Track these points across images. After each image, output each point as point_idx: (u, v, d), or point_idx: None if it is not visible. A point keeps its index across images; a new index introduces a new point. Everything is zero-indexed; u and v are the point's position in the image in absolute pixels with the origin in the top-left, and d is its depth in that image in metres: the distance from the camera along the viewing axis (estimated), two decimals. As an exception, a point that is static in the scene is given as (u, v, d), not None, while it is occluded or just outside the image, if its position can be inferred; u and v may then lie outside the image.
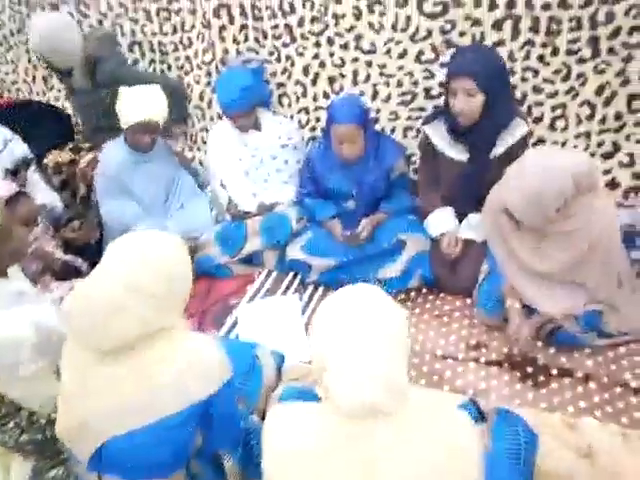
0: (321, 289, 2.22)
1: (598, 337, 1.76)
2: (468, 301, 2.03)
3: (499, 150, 1.98)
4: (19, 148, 2.08)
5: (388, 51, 2.31)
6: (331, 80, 2.48)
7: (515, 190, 1.61)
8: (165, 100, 2.26)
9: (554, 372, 1.71)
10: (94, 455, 1.10)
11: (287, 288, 2.25)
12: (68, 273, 2.07)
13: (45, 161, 2.69)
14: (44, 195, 2.36)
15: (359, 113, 2.08)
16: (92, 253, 2.26)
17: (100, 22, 2.79)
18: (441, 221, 2.15)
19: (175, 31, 2.68)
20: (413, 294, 2.13)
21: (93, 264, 2.13)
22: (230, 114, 2.34)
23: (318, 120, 2.61)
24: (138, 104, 2.19)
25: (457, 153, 2.06)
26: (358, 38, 2.33)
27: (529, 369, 1.73)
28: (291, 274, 2.31)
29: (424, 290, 2.14)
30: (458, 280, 2.06)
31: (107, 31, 2.70)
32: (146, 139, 2.27)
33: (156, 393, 1.05)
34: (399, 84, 2.37)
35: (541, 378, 1.69)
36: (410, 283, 2.11)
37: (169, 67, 2.79)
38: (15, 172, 2.10)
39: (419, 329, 1.95)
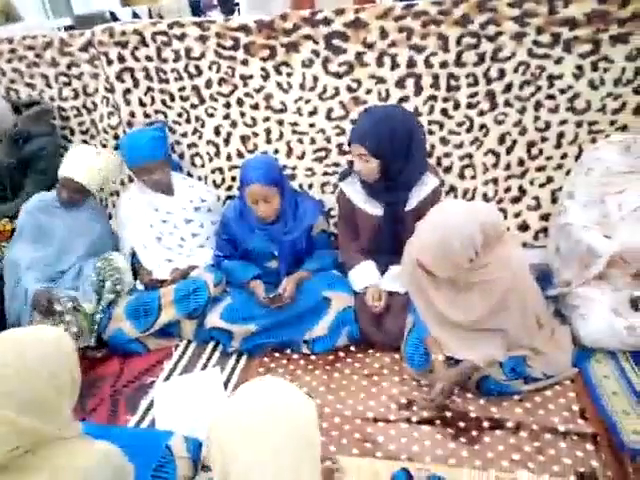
0: (244, 358, 2.09)
1: (525, 383, 1.76)
2: (397, 356, 1.98)
3: (412, 204, 2.01)
4: None
5: (298, 109, 2.33)
6: (244, 139, 2.46)
7: (425, 244, 1.63)
8: (106, 169, 2.26)
9: (486, 425, 1.67)
10: None
11: (208, 360, 2.10)
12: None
13: None
14: None
15: (272, 172, 2.05)
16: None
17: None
18: (364, 275, 2.13)
19: (77, 96, 2.57)
20: (342, 353, 2.05)
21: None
22: (141, 166, 2.24)
23: (234, 179, 2.56)
24: (73, 161, 2.21)
25: (372, 208, 2.08)
26: (268, 98, 2.33)
27: (461, 424, 1.68)
28: (211, 344, 2.17)
29: (352, 348, 2.07)
30: (385, 334, 2.02)
31: (45, 107, 2.56)
32: (63, 194, 2.24)
33: None
34: (312, 141, 2.39)
35: (474, 433, 1.65)
36: (338, 342, 2.04)
37: (72, 131, 2.66)
38: None
39: (349, 392, 1.86)
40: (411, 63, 2.14)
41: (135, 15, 5.34)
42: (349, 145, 2.00)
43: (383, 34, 2.10)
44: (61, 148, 2.65)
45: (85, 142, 2.68)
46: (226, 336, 2.08)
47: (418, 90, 2.19)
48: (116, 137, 2.57)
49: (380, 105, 2.16)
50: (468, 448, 1.60)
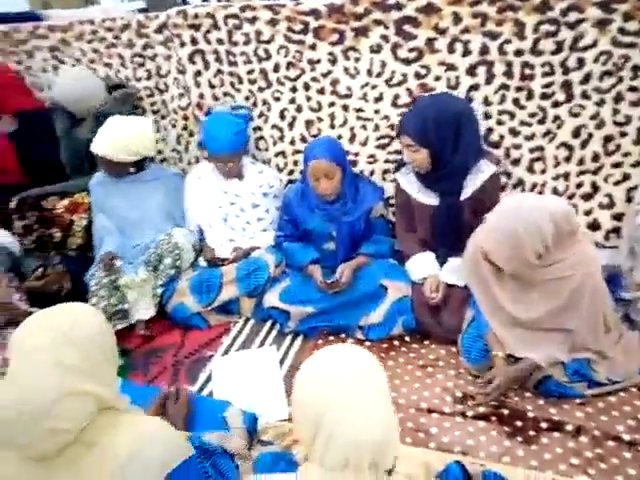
0: (300, 338, 2.13)
1: (588, 387, 1.69)
2: (453, 349, 1.96)
3: (467, 192, 1.98)
4: None
5: (364, 95, 2.31)
6: (308, 124, 2.47)
7: (494, 236, 1.58)
8: (141, 139, 2.34)
9: (544, 425, 1.63)
10: None
11: (265, 338, 2.16)
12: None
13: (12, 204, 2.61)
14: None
15: (335, 150, 2.09)
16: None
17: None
18: (422, 265, 2.11)
19: (150, 76, 2.66)
20: (396, 342, 2.05)
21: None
22: (221, 157, 2.30)
23: (296, 164, 2.58)
24: (103, 136, 2.29)
25: (427, 198, 2.07)
26: (334, 83, 2.33)
27: (518, 423, 1.65)
28: (269, 323, 2.22)
29: (407, 338, 2.06)
30: (442, 327, 1.99)
31: (130, 91, 2.67)
32: (105, 167, 2.36)
33: None
34: (376, 128, 2.37)
35: (531, 433, 1.61)
36: (393, 330, 2.03)
37: (144, 111, 2.75)
38: None
39: (403, 381, 1.86)
40: (484, 50, 2.07)
41: (205, -1, 5.46)
42: (398, 137, 1.99)
43: (456, 20, 2.04)
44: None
45: (156, 122, 2.77)
46: (283, 316, 2.13)
47: (490, 78, 2.12)
48: (185, 118, 2.65)
49: (427, 94, 2.12)
50: (524, 447, 1.57)
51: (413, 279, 2.09)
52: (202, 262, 2.37)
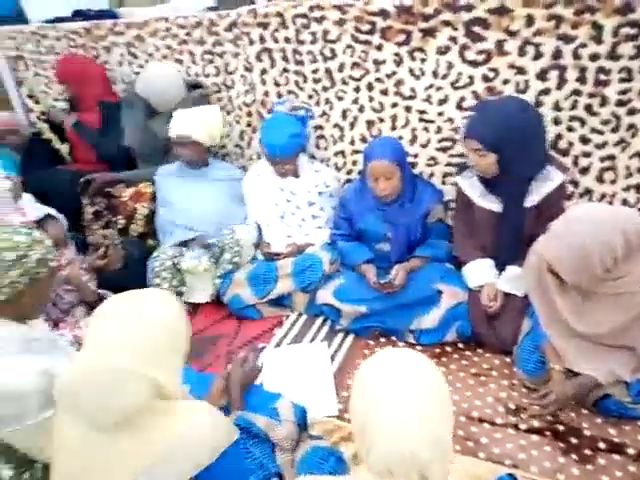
0: (351, 337, 2.14)
1: (652, 409, 1.62)
2: (508, 360, 1.92)
3: (534, 200, 1.92)
4: (3, 184, 2.02)
5: (428, 97, 2.29)
6: (369, 124, 2.47)
7: (560, 246, 1.53)
8: (215, 123, 2.49)
9: (602, 446, 1.57)
10: None
11: (316, 334, 2.18)
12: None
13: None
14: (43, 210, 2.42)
15: (396, 151, 2.08)
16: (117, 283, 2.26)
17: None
18: (480, 272, 2.07)
19: (218, 73, 2.74)
20: (449, 349, 2.03)
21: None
22: (274, 159, 2.35)
23: (354, 163, 2.59)
24: (185, 118, 2.43)
25: (490, 203, 2.02)
26: (398, 84, 2.32)
27: (573, 440, 1.59)
28: (320, 319, 2.25)
29: (460, 345, 2.04)
30: (497, 336, 1.95)
31: (206, 92, 2.77)
32: (185, 152, 2.46)
33: (152, 468, 0.97)
34: (439, 130, 2.34)
35: (587, 452, 1.55)
36: (446, 336, 2.01)
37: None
38: None
39: (455, 388, 1.84)
40: (557, 54, 2.00)
41: (270, -2, 5.55)
42: (464, 140, 1.95)
43: (529, 22, 1.98)
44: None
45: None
46: (336, 314, 2.15)
47: (561, 83, 2.05)
48: (249, 114, 2.71)
49: (493, 98, 2.08)
50: (580, 466, 1.52)
51: (470, 286, 2.06)
52: (260, 256, 2.43)
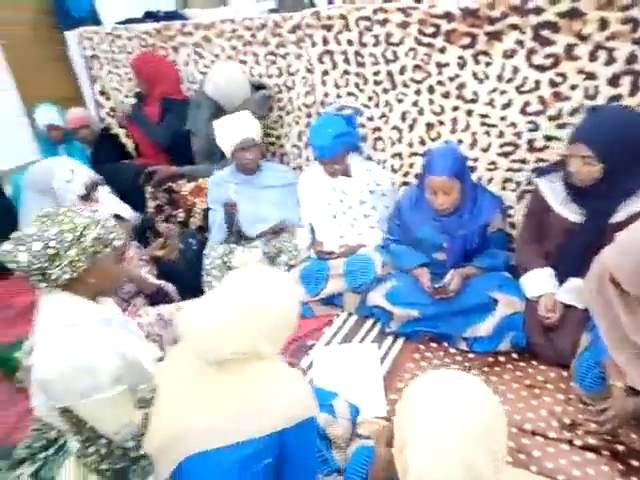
0: (401, 341, 2.13)
1: None
2: (564, 373, 1.86)
3: (621, 216, 1.79)
4: (84, 174, 2.25)
5: (491, 101, 2.25)
6: (429, 127, 2.45)
7: (624, 257, 1.46)
8: (254, 121, 2.52)
9: (665, 470, 1.49)
10: (173, 473, 1.11)
11: (366, 335, 2.19)
12: (159, 297, 2.15)
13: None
14: (123, 210, 2.55)
15: (456, 165, 2.02)
16: (174, 275, 2.35)
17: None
18: (539, 282, 2.00)
19: (280, 74, 2.80)
20: (502, 358, 1.98)
21: (180, 290, 2.22)
22: (321, 160, 2.39)
23: (412, 166, 2.58)
24: (232, 129, 2.46)
25: (569, 212, 1.92)
26: (460, 87, 2.29)
27: (634, 462, 1.52)
28: (371, 321, 2.26)
29: (514, 355, 1.99)
30: (554, 349, 1.89)
31: (269, 93, 2.84)
32: (250, 156, 2.48)
33: (245, 413, 1.08)
34: (500, 134, 2.29)
35: (648, 476, 1.49)
36: (500, 346, 1.97)
37: (270, 108, 2.90)
38: (86, 196, 2.26)
39: (507, 399, 1.80)
40: (631, 59, 1.92)
41: (330, 1, 5.60)
42: (570, 144, 1.85)
43: (602, 25, 1.91)
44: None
45: (280, 117, 2.91)
46: (386, 316, 2.15)
47: (634, 90, 1.97)
48: (309, 115, 2.76)
49: (610, 104, 1.98)
50: (639, 490, 1.45)
51: (528, 295, 2.00)
52: (313, 254, 2.46)
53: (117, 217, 1.99)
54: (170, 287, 2.24)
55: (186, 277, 2.40)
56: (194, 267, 2.49)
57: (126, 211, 2.62)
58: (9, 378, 2.10)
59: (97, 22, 5.10)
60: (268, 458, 1.07)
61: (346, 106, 2.50)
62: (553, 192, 1.97)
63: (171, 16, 3.91)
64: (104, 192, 2.48)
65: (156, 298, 2.16)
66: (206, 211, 2.77)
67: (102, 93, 3.53)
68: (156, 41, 3.10)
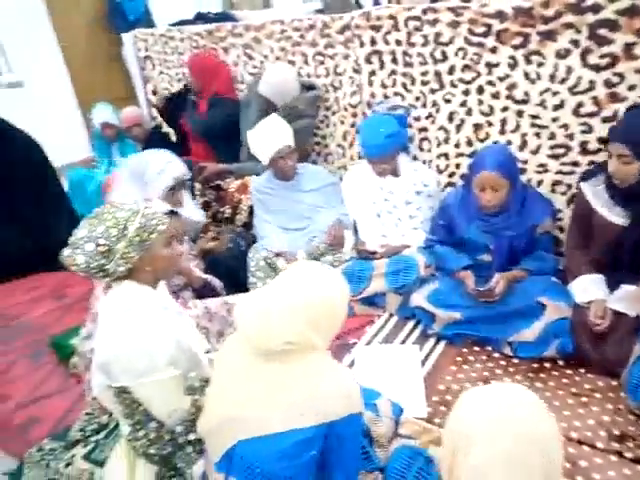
0: (443, 343, 2.11)
1: None
2: (614, 382, 1.79)
3: None
4: (178, 168, 2.32)
5: (542, 102, 2.20)
6: (477, 127, 2.42)
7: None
8: (285, 124, 2.52)
9: None
10: (224, 456, 1.15)
11: (407, 336, 2.18)
12: (206, 292, 2.21)
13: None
14: (195, 212, 2.62)
15: (508, 164, 2.00)
16: (221, 270, 2.40)
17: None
18: (590, 287, 1.93)
19: (328, 74, 2.82)
20: (548, 365, 1.94)
21: (226, 286, 2.27)
22: (372, 159, 2.39)
23: (458, 167, 2.55)
24: (268, 139, 2.48)
25: (615, 216, 1.87)
26: (511, 87, 2.25)
27: (688, 478, 1.46)
28: (412, 322, 2.24)
29: (561, 362, 1.94)
30: (604, 357, 1.83)
31: (319, 93, 2.87)
32: (289, 163, 2.51)
33: (295, 403, 1.10)
34: (552, 136, 2.24)
35: None
36: (546, 352, 1.92)
37: (318, 108, 2.93)
38: (173, 190, 2.34)
39: (552, 406, 1.75)
40: (696, 58, 1.85)
41: (376, 2, 5.59)
42: (607, 143, 1.82)
43: (665, 23, 1.85)
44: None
45: (326, 117, 2.94)
46: (429, 318, 2.13)
47: (698, 91, 1.89)
48: (354, 115, 2.77)
49: None
50: (695, 508, 1.39)
51: (577, 301, 1.94)
52: (354, 253, 2.47)
53: (171, 212, 2.05)
54: (217, 282, 2.30)
55: (233, 274, 2.45)
56: (241, 265, 2.54)
57: (200, 216, 2.68)
58: (64, 364, 2.21)
59: (150, 24, 5.29)
60: (313, 450, 1.10)
61: (398, 105, 2.49)
62: (596, 195, 1.93)
63: (221, 17, 4.01)
64: (186, 196, 2.55)
65: (203, 292, 2.22)
66: (251, 208, 2.83)
67: (154, 93, 3.65)
68: (207, 42, 3.19)
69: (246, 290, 2.38)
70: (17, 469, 1.70)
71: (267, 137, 2.48)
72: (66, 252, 1.29)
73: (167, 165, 2.28)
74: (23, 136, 3.10)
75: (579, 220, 2.03)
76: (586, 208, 1.97)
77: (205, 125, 3.12)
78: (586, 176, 1.99)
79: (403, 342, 2.15)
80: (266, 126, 2.51)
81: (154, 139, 3.57)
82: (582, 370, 1.89)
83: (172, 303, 1.49)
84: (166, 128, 3.67)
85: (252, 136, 2.53)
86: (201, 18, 4.12)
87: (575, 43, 2.04)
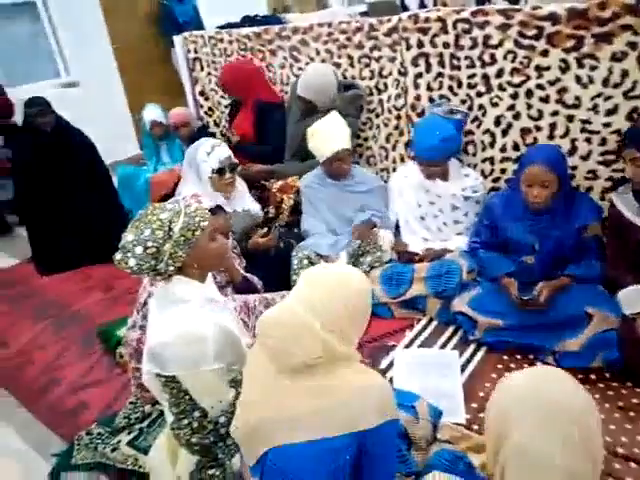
0: (484, 350, 2.08)
1: None
2: (664, 398, 1.73)
3: None
4: (224, 151, 2.44)
5: (595, 106, 2.15)
6: (524, 132, 2.38)
7: None
8: (345, 126, 2.52)
9: None
10: (259, 460, 1.16)
11: (447, 341, 2.16)
12: (246, 289, 2.25)
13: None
14: (253, 205, 2.70)
15: (558, 161, 1.97)
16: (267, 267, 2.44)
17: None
18: (637, 298, 1.87)
19: (372, 77, 2.83)
20: (593, 376, 1.88)
21: (268, 282, 2.29)
22: (425, 161, 2.37)
23: (503, 171, 2.51)
24: (328, 139, 2.48)
25: None
26: (561, 91, 2.20)
27: None
28: (452, 327, 2.22)
29: (607, 374, 1.88)
30: (653, 371, 1.77)
31: (360, 92, 2.87)
32: (345, 166, 2.52)
33: (327, 412, 1.09)
34: (603, 142, 2.18)
35: None
36: (591, 363, 1.87)
37: (361, 108, 2.94)
38: (221, 171, 2.43)
39: (597, 418, 1.71)
40: None
41: (422, 5, 5.54)
42: (624, 148, 1.85)
43: None
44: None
45: (369, 119, 2.95)
46: (470, 323, 2.11)
47: None
48: (398, 117, 2.76)
49: None
50: None
51: (625, 312, 1.88)
52: (394, 255, 2.46)
53: (217, 207, 2.10)
54: (256, 280, 2.34)
55: (280, 270, 2.48)
56: (286, 264, 2.57)
57: (256, 208, 2.73)
58: (111, 354, 2.31)
59: (200, 27, 5.43)
60: (347, 455, 1.09)
61: (456, 110, 2.45)
62: (626, 204, 1.93)
63: (268, 20, 4.08)
64: (241, 182, 2.68)
65: (243, 290, 2.26)
66: (292, 207, 2.87)
67: (201, 94, 3.74)
68: (254, 44, 3.24)
69: (288, 288, 2.41)
70: (65, 451, 1.78)
71: (326, 137, 2.48)
72: (118, 256, 1.32)
73: (214, 148, 2.44)
74: (80, 134, 3.26)
75: (613, 228, 2.03)
76: (617, 216, 1.97)
77: (268, 149, 3.15)
78: (617, 186, 2.01)
79: (443, 347, 2.13)
80: (327, 125, 2.51)
81: (200, 138, 3.66)
82: (629, 384, 1.84)
83: (219, 297, 1.53)
84: (214, 128, 3.77)
85: (312, 133, 2.53)
86: (248, 20, 4.21)
87: (632, 45, 1.98)
